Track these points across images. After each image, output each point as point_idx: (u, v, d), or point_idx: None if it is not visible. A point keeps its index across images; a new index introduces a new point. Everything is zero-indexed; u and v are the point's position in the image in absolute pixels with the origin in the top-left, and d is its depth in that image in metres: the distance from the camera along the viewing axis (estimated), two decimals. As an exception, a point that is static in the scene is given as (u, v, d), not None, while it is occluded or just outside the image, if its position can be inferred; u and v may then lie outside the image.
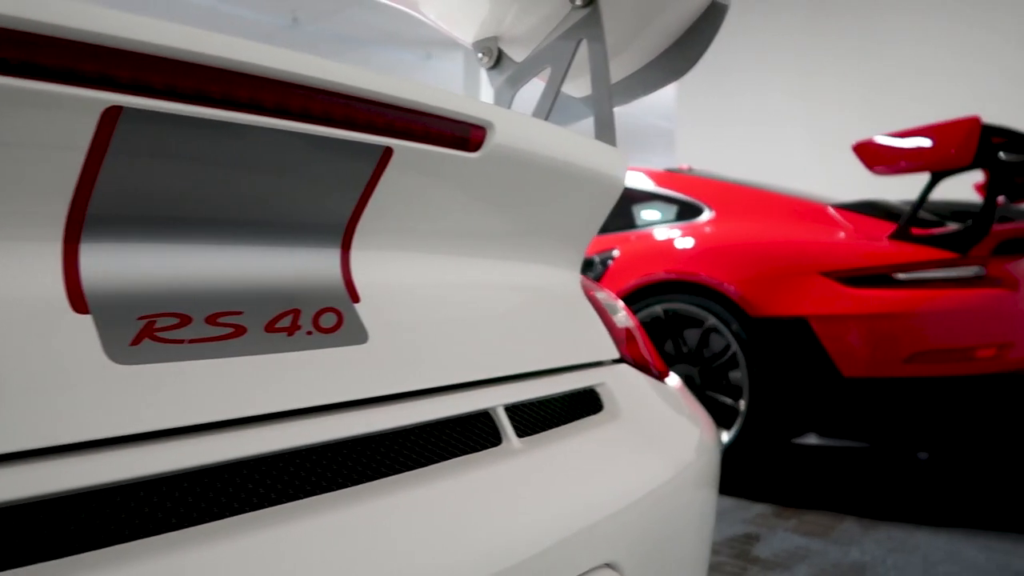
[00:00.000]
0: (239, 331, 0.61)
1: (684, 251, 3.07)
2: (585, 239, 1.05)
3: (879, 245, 2.73)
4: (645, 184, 3.57)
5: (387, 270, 0.77)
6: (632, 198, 3.79)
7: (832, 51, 7.61)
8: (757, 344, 2.76)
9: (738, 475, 2.90)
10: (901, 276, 2.63)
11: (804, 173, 5.95)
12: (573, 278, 1.06)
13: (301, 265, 0.69)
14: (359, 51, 9.84)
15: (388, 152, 0.69)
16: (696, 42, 1.25)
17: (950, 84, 6.91)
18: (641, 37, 1.26)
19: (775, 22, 7.96)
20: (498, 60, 1.28)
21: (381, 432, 0.67)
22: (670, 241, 3.17)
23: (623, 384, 0.99)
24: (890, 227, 2.82)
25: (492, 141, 0.78)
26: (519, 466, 0.75)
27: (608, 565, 0.81)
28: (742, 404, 2.82)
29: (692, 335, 3.02)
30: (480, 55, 1.29)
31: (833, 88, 7.52)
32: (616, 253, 3.24)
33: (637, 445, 0.93)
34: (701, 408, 1.20)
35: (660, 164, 4.89)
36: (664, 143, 10.96)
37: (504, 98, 1.24)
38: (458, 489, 0.68)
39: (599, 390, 0.95)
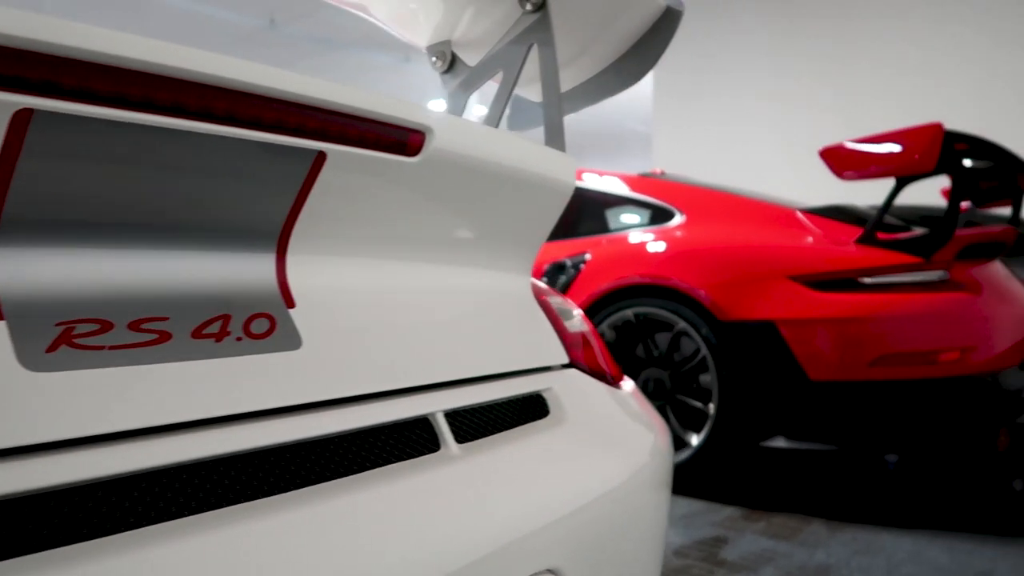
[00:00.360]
0: (164, 337, 0.61)
1: (655, 255, 3.08)
2: (535, 244, 1.05)
3: (845, 249, 2.76)
4: (618, 188, 3.58)
5: (325, 275, 0.77)
6: (605, 202, 3.80)
7: (805, 56, 7.68)
8: (726, 348, 2.77)
9: (708, 478, 2.91)
10: (866, 280, 2.66)
11: (779, 176, 6.01)
12: (523, 283, 1.06)
13: (233, 270, 0.69)
14: (336, 53, 9.80)
15: (321, 156, 0.69)
16: (651, 47, 1.25)
17: (922, 89, 7.00)
18: (597, 42, 1.26)
19: (749, 28, 8.02)
20: (452, 64, 1.28)
21: (312, 439, 0.66)
22: (641, 245, 3.18)
23: (571, 389, 0.99)
24: (857, 231, 2.85)
25: (431, 146, 0.78)
26: (457, 472, 0.75)
27: (550, 571, 0.81)
28: (712, 408, 2.83)
29: (663, 339, 3.03)
30: (434, 59, 1.29)
31: (807, 93, 7.58)
32: (588, 257, 3.25)
33: (583, 450, 0.93)
34: (654, 413, 1.20)
35: (639, 168, 4.91)
36: (642, 147, 11.02)
37: (458, 102, 1.24)
38: (392, 496, 0.68)
39: (546, 395, 0.95)
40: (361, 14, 1.28)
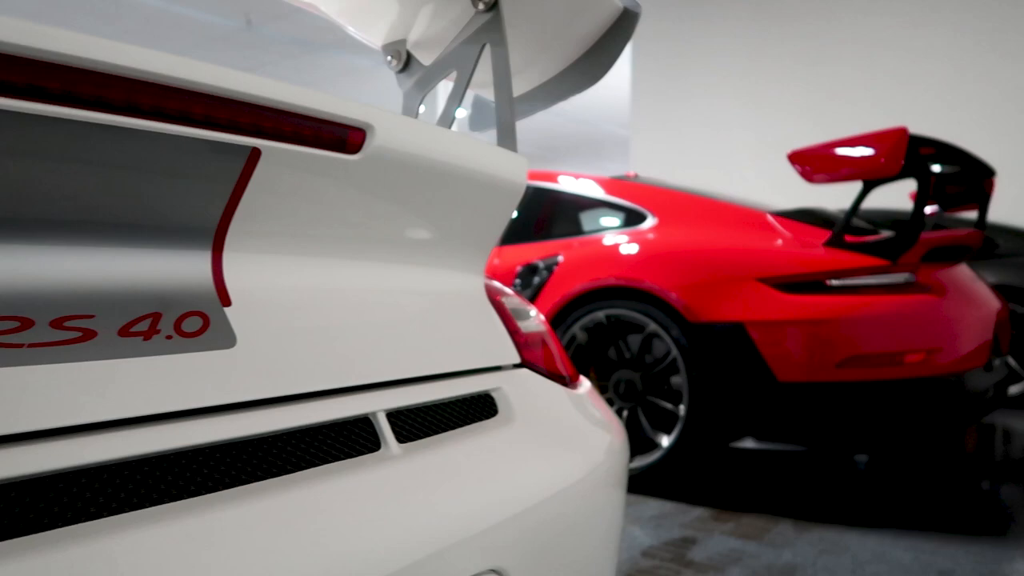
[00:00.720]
0: (88, 335, 0.60)
1: (626, 257, 3.09)
2: (487, 244, 1.05)
3: (813, 252, 2.78)
4: (591, 191, 3.59)
5: (264, 273, 0.76)
6: (578, 205, 3.81)
7: (780, 61, 7.74)
8: (696, 349, 2.78)
9: (678, 479, 2.92)
10: (834, 282, 2.68)
11: (755, 179, 6.05)
12: (475, 282, 1.06)
13: (166, 268, 0.68)
14: (313, 55, 9.76)
15: (255, 153, 0.68)
16: (609, 49, 1.26)
17: (893, 92, 7.08)
18: (554, 44, 1.26)
19: (725, 32, 8.08)
20: (407, 64, 1.27)
21: (245, 438, 0.66)
22: (613, 247, 3.18)
23: (522, 389, 0.99)
24: (826, 234, 2.88)
25: (373, 143, 0.77)
26: (397, 472, 0.75)
27: (494, 571, 0.81)
28: (682, 409, 2.84)
29: (635, 341, 3.04)
30: (389, 58, 1.29)
31: (781, 97, 7.65)
32: (560, 259, 3.25)
33: (531, 450, 0.93)
34: (609, 413, 1.20)
35: (618, 171, 4.94)
36: (622, 150, 11.06)
37: (413, 101, 1.23)
38: (328, 495, 0.67)
39: (495, 395, 0.95)
40: (320, 14, 1.28)
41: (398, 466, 0.75)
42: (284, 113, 0.69)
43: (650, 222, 3.22)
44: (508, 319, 1.07)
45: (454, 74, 1.14)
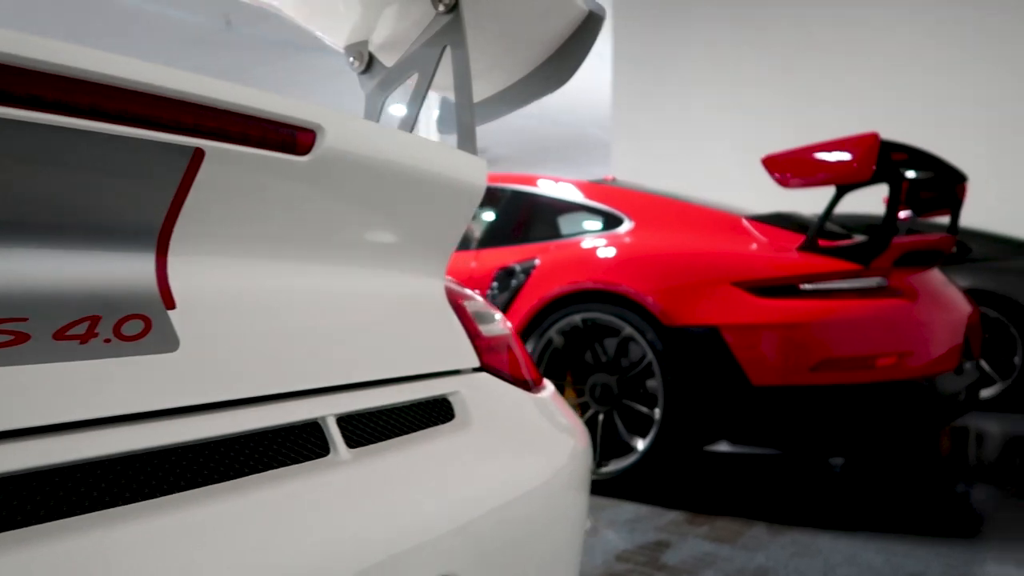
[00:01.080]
0: (20, 338, 0.58)
1: (602, 261, 3.09)
2: (447, 246, 1.04)
3: (787, 256, 2.79)
4: (569, 195, 3.59)
5: (212, 276, 0.75)
6: (556, 208, 3.81)
7: (759, 68, 7.80)
8: (671, 353, 2.79)
9: (653, 483, 2.92)
10: (807, 286, 2.69)
11: (734, 183, 6.08)
12: (434, 286, 1.05)
13: (107, 270, 0.66)
14: (298, 56, 9.72)
15: (199, 153, 0.67)
16: (574, 52, 1.25)
17: (872, 98, 7.14)
18: (519, 47, 1.26)
19: (705, 40, 8.12)
20: (369, 65, 1.26)
21: (185, 443, 0.64)
22: (589, 251, 3.18)
23: (480, 393, 0.98)
24: (800, 239, 2.89)
25: (323, 145, 0.76)
26: (346, 477, 0.74)
27: None
28: (657, 413, 2.84)
29: (611, 344, 3.04)
30: (351, 60, 1.28)
31: (761, 103, 7.70)
32: (537, 262, 3.25)
33: (488, 454, 0.92)
34: (573, 417, 1.20)
35: (602, 174, 4.94)
36: (605, 153, 11.09)
37: (375, 103, 1.22)
38: (272, 502, 0.66)
39: (452, 399, 0.94)
40: (282, 14, 1.27)
41: (347, 472, 0.74)
42: (229, 113, 0.68)
43: (627, 226, 3.23)
44: (469, 323, 1.07)
45: (416, 76, 1.13)
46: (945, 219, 3.60)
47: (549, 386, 1.22)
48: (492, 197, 4.14)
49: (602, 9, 1.25)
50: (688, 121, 8.11)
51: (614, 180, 3.93)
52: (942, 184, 3.51)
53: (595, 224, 3.40)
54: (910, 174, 3.32)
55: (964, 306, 3.22)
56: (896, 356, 2.67)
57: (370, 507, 0.73)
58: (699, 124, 8.02)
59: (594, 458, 2.99)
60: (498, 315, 1.21)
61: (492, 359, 1.06)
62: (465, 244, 4.04)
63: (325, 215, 0.83)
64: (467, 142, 1.06)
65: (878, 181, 2.71)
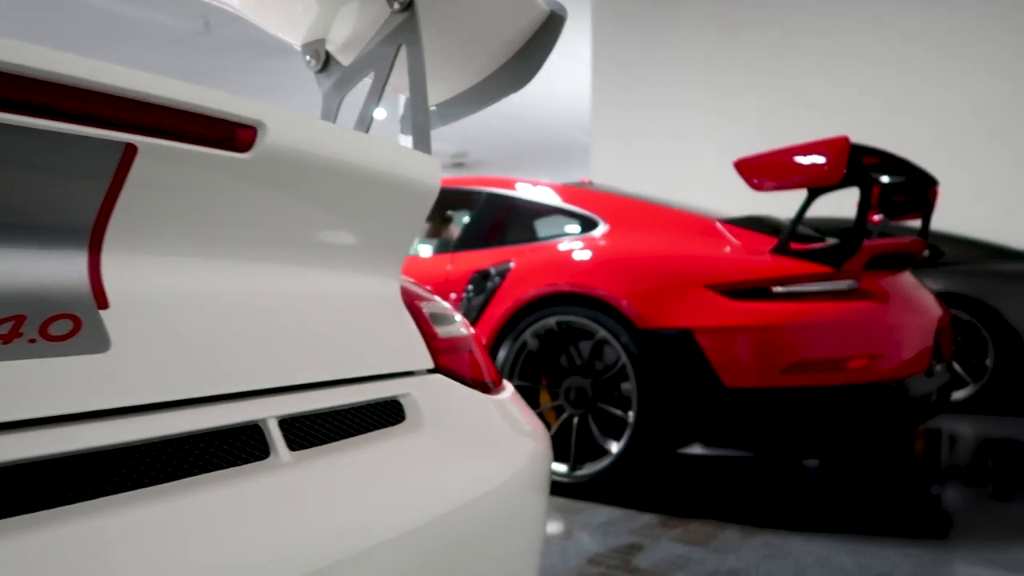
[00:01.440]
0: (-62, 338, 0.56)
1: (576, 264, 3.09)
2: (400, 246, 1.02)
3: (759, 259, 2.80)
4: (545, 198, 3.58)
5: (149, 275, 0.73)
6: (532, 211, 3.80)
7: (739, 72, 7.84)
8: (645, 356, 2.78)
9: (628, 486, 2.91)
10: (779, 289, 2.70)
11: (713, 188, 6.10)
12: (388, 286, 1.03)
13: (35, 268, 0.65)
14: (276, 59, 9.66)
15: (131, 149, 0.65)
16: (536, 52, 1.25)
17: (852, 103, 7.20)
18: (480, 47, 1.25)
19: (685, 44, 8.16)
20: (326, 64, 1.25)
21: (113, 446, 0.63)
22: (564, 254, 3.18)
23: (434, 395, 0.97)
24: (773, 242, 2.90)
25: (265, 142, 0.75)
26: (286, 481, 0.72)
27: None
28: (631, 415, 2.83)
29: (586, 347, 3.04)
30: (308, 58, 1.26)
31: (740, 107, 7.74)
32: (512, 265, 3.24)
33: (440, 457, 0.91)
34: (532, 419, 1.19)
35: (582, 177, 4.93)
36: (586, 157, 11.12)
37: (332, 102, 1.21)
38: (204, 506, 0.64)
39: (403, 401, 0.93)
40: (238, 12, 1.25)
41: (287, 475, 0.72)
42: (162, 108, 0.66)
43: (602, 229, 3.23)
44: (424, 324, 1.05)
45: (372, 75, 1.11)
46: (917, 223, 3.62)
47: (509, 388, 1.20)
48: (468, 200, 4.12)
49: (563, 9, 1.24)
50: (667, 125, 8.14)
51: (590, 183, 3.93)
52: (914, 188, 3.54)
53: (570, 227, 3.40)
54: (881, 178, 3.34)
55: (935, 309, 3.24)
56: (867, 358, 2.68)
57: (310, 511, 0.71)
58: (678, 128, 8.06)
59: (569, 461, 2.98)
60: (457, 317, 1.20)
61: (448, 360, 1.05)
62: (442, 247, 4.02)
63: (270, 214, 0.81)
64: (422, 141, 1.05)
65: (848, 184, 2.72)
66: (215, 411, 0.71)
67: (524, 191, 3.67)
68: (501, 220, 3.79)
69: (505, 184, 3.77)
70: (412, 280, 1.24)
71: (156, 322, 0.71)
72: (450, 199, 4.65)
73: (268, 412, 0.75)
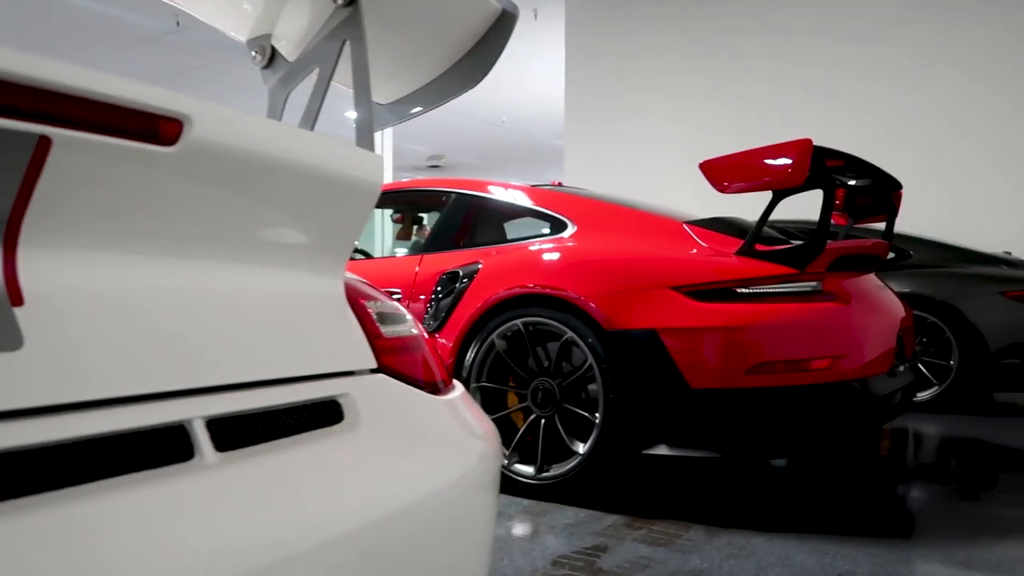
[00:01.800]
0: None
1: (544, 265, 3.08)
2: (343, 244, 1.01)
3: (725, 261, 2.81)
4: (514, 199, 3.58)
5: (72, 272, 0.71)
6: (502, 213, 3.79)
7: (708, 80, 7.90)
8: (612, 357, 2.78)
9: (594, 487, 2.91)
10: (743, 290, 2.70)
11: (682, 191, 6.13)
12: (330, 284, 1.01)
13: (-57, 265, 0.62)
14: (248, 57, 9.56)
15: (45, 141, 0.63)
16: (489, 50, 1.23)
17: (818, 109, 7.27)
18: (434, 45, 1.23)
19: (656, 51, 8.21)
20: (272, 59, 1.23)
21: (23, 447, 0.60)
22: (532, 255, 3.17)
23: (375, 395, 0.95)
24: (739, 243, 2.91)
25: (191, 135, 0.73)
26: (211, 483, 0.70)
27: None
28: (598, 417, 2.83)
29: (554, 349, 3.03)
30: (253, 53, 1.24)
31: (709, 114, 7.80)
32: (480, 266, 3.22)
33: (379, 458, 0.89)
34: (482, 419, 1.17)
35: (558, 181, 4.94)
36: (560, 161, 11.17)
37: (278, 98, 1.19)
38: (122, 508, 0.62)
39: (342, 401, 0.91)
40: (180, 7, 1.23)
41: (213, 477, 0.71)
42: (80, 100, 0.64)
43: (570, 230, 3.23)
44: (369, 323, 1.04)
45: (317, 71, 1.10)
46: (883, 225, 3.66)
47: (459, 388, 1.19)
48: (438, 202, 4.11)
49: (515, 8, 1.23)
50: (637, 130, 8.19)
51: (560, 185, 3.93)
52: (878, 191, 3.57)
53: (539, 229, 3.39)
54: (852, 182, 3.36)
55: (898, 310, 3.27)
56: (830, 359, 2.70)
57: (236, 514, 0.70)
58: (648, 133, 8.11)
59: (536, 463, 2.97)
60: (406, 316, 1.18)
61: (393, 360, 1.04)
62: (411, 249, 4.00)
63: (199, 209, 0.79)
64: (364, 138, 1.03)
65: (812, 187, 2.74)
66: (137, 411, 0.69)
67: (493, 193, 3.66)
68: (470, 222, 3.78)
69: (474, 186, 3.76)
70: (363, 280, 1.22)
71: (75, 320, 0.68)
72: (420, 200, 4.64)
73: (194, 412, 0.73)
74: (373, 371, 1.00)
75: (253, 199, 0.84)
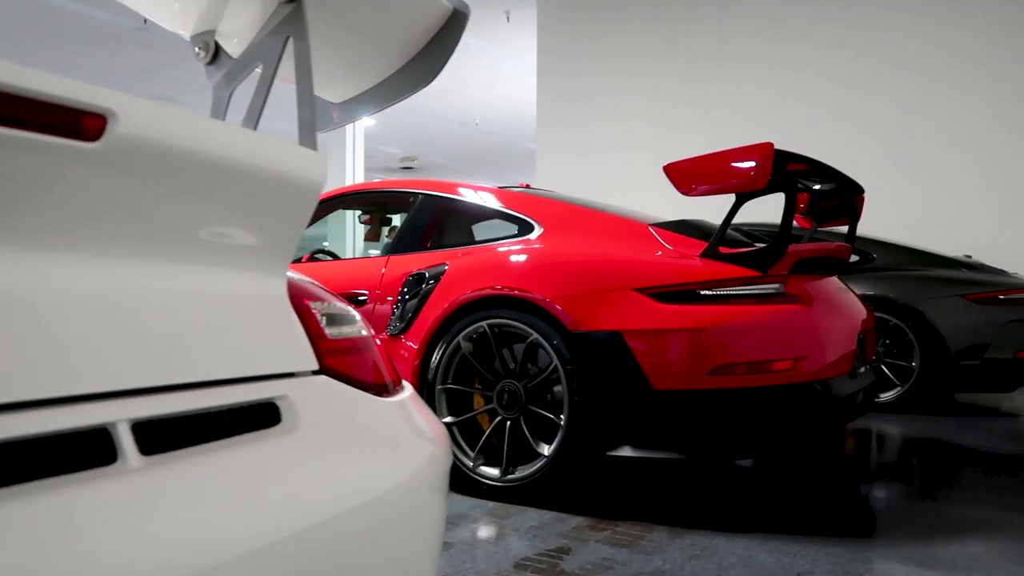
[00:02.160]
0: None
1: (510, 266, 3.07)
2: (284, 244, 0.99)
3: (688, 263, 2.82)
4: (481, 201, 3.57)
5: (-10, 270, 0.68)
6: (469, 215, 3.78)
7: (678, 80, 7.94)
8: (576, 359, 2.77)
9: (559, 489, 2.90)
10: (706, 292, 2.72)
11: (653, 192, 6.15)
12: (271, 284, 0.99)
13: None
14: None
15: None
16: (440, 50, 1.22)
17: (789, 109, 7.33)
18: (384, 45, 1.22)
19: (626, 52, 8.24)
20: (215, 55, 1.21)
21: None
22: (498, 257, 3.16)
23: (316, 397, 0.94)
24: (703, 246, 2.92)
25: (116, 131, 0.71)
26: (134, 487, 0.68)
27: None
28: (563, 418, 2.82)
29: (519, 350, 3.02)
30: (197, 50, 1.22)
31: (681, 115, 7.85)
32: (446, 268, 3.21)
33: (319, 462, 0.87)
34: (432, 422, 1.16)
35: (531, 184, 4.94)
36: (532, 163, 11.21)
37: (222, 95, 1.17)
38: (34, 515, 0.60)
39: (280, 403, 0.89)
40: (124, 2, 1.20)
41: (136, 481, 0.68)
42: None
43: (536, 232, 3.22)
44: (312, 324, 1.02)
45: (261, 67, 1.08)
46: (846, 229, 3.70)
47: (407, 390, 1.18)
48: (404, 203, 4.08)
49: (466, 7, 1.22)
50: (609, 133, 8.22)
51: (528, 187, 3.92)
52: (841, 195, 3.62)
53: (506, 230, 3.38)
54: (809, 185, 3.39)
55: (859, 312, 3.31)
56: (791, 360, 2.72)
57: (160, 519, 0.68)
58: (619, 136, 8.14)
59: (501, 465, 2.96)
60: (355, 317, 1.16)
61: (336, 362, 1.02)
62: (378, 250, 3.97)
63: (127, 206, 0.77)
64: (306, 136, 1.01)
65: (774, 190, 2.76)
66: (57, 414, 0.67)
67: (460, 194, 3.65)
68: (437, 223, 3.77)
69: (442, 187, 3.75)
70: (312, 280, 1.20)
71: (-6, 320, 0.66)
72: (388, 201, 4.61)
73: (119, 415, 0.71)
74: (316, 372, 0.98)
75: (186, 196, 0.82)
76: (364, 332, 1.15)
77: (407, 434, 1.07)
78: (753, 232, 3.87)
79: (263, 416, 0.87)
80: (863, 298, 3.65)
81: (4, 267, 0.69)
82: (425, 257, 3.39)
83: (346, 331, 1.09)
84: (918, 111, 6.93)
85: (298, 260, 4.42)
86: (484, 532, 2.64)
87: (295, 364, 0.94)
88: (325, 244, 14.00)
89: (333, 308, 1.11)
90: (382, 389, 1.09)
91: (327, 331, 1.04)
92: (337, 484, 0.88)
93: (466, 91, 11.88)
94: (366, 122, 13.53)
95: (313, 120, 1.01)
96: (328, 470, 0.88)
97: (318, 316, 1.05)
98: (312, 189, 0.95)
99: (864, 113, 7.11)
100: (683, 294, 2.71)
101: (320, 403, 0.93)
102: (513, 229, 3.35)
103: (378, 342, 1.22)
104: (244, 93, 1.19)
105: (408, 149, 17.18)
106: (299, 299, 1.04)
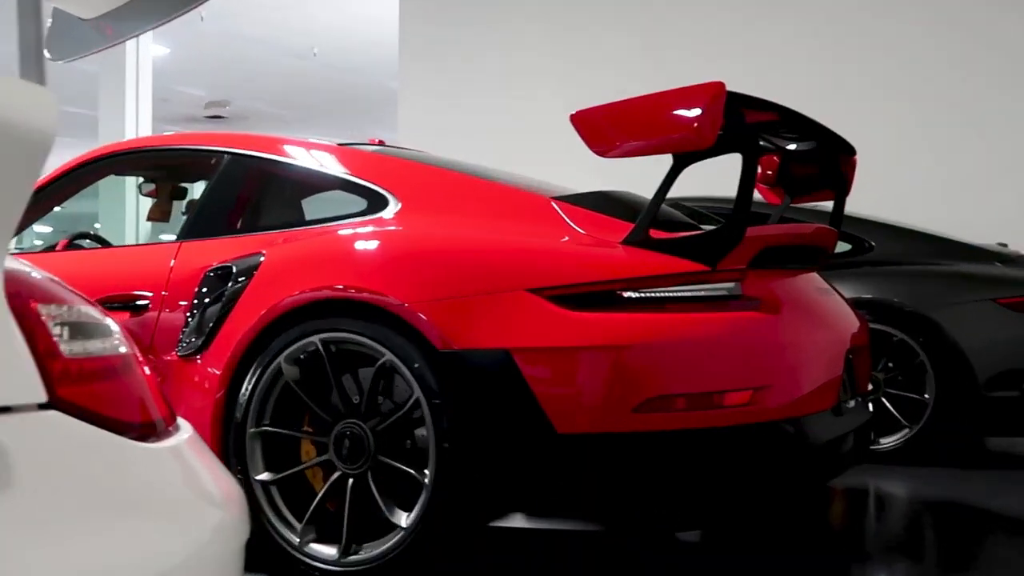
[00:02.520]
0: None
1: (353, 259, 3.10)
2: (6, 215, 0.99)
3: (606, 253, 2.88)
4: (316, 164, 3.57)
5: None
6: (296, 183, 3.78)
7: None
8: (447, 388, 2.78)
9: (422, 573, 2.92)
10: (631, 295, 2.77)
11: (561, 153, 6.26)
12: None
13: None
14: None
15: None
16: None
17: (752, 36, 7.55)
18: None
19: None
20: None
21: None
22: (336, 244, 3.19)
23: (42, 442, 0.96)
24: (628, 228, 2.95)
25: None
26: None
27: None
28: (428, 475, 2.83)
29: (366, 377, 3.01)
30: None
31: (606, 46, 7.96)
32: (262, 259, 3.19)
33: (39, 534, 0.90)
34: (219, 476, 1.19)
35: (390, 138, 4.91)
36: (394, 111, 11.23)
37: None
38: None
39: (-13, 452, 0.91)
40: None
41: None
42: None
43: (392, 209, 3.24)
44: (41, 336, 1.04)
45: None
46: (830, 204, 3.81)
47: (185, 431, 1.21)
48: (204, 167, 4.05)
49: None
50: (502, 68, 8.28)
51: (382, 145, 3.95)
52: (825, 158, 3.72)
53: (349, 206, 3.40)
54: (778, 143, 3.50)
55: (848, 322, 3.44)
56: (751, 391, 2.78)
57: None
58: (517, 73, 8.20)
59: (340, 542, 2.96)
60: (110, 328, 1.19)
61: (76, 391, 1.04)
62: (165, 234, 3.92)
63: None
64: (31, 67, 1.03)
65: (727, 150, 2.84)
66: None
67: (286, 154, 3.64)
68: (251, 196, 3.75)
69: (258, 144, 3.72)
70: (47, 274, 1.21)
71: None
72: (181, 164, 4.54)
73: None
74: (44, 406, 1.00)
75: None
76: (122, 349, 1.18)
77: (182, 495, 1.10)
78: (699, 210, 3.97)
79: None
80: (855, 303, 3.76)
81: None
82: (233, 243, 3.37)
83: (94, 347, 1.12)
84: (937, 39, 7.21)
85: (50, 248, 4.31)
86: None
87: (12, 395, 0.96)
88: (96, 226, 13.50)
89: (76, 314, 1.14)
90: (146, 430, 1.12)
91: (63, 347, 1.06)
92: (69, 568, 0.90)
93: (300, 7, 11.75)
94: (156, 51, 13.08)
95: (39, 43, 1.02)
96: (55, 550, 0.90)
97: (51, 326, 1.06)
98: (39, 139, 0.97)
99: (865, 44, 7.36)
100: (598, 297, 2.77)
101: (48, 451, 0.96)
102: (360, 205, 3.36)
103: (147, 369, 1.24)
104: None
105: (217, 91, 16.87)
106: (22, 300, 1.05)
